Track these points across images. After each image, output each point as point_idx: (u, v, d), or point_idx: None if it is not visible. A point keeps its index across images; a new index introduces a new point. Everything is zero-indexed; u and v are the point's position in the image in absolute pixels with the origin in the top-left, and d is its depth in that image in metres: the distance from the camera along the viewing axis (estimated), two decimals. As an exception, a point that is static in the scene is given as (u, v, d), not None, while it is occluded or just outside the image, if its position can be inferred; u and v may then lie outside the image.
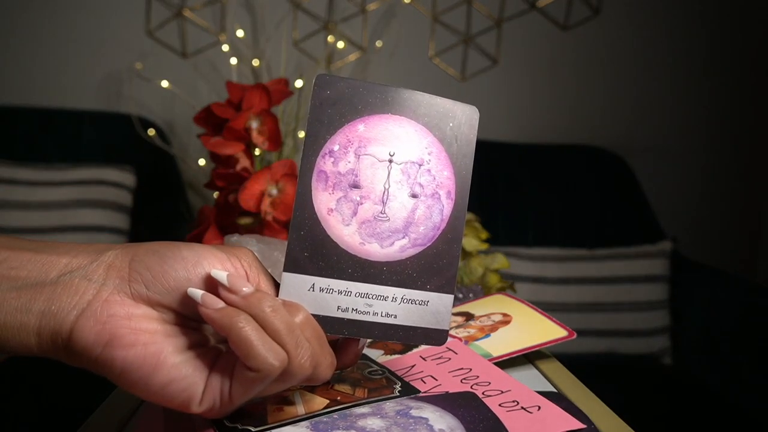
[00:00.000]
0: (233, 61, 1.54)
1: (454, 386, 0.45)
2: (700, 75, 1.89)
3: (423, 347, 0.53)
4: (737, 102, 1.92)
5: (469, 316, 0.60)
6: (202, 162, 1.54)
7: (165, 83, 1.51)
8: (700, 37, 1.87)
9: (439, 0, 1.73)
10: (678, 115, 1.90)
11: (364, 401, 0.42)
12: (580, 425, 0.39)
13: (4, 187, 1.36)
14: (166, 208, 1.53)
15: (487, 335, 0.55)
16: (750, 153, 1.95)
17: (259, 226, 0.80)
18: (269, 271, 0.63)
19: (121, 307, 0.34)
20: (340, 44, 1.66)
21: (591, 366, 1.37)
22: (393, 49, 1.70)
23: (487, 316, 0.59)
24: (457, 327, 0.57)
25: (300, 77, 1.42)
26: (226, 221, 0.82)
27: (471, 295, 0.69)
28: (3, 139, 1.48)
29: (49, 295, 0.33)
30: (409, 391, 0.44)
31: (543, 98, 1.83)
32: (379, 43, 1.70)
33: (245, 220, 0.80)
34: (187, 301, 0.35)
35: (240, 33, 1.60)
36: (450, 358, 0.49)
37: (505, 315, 0.59)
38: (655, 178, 1.86)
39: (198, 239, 0.82)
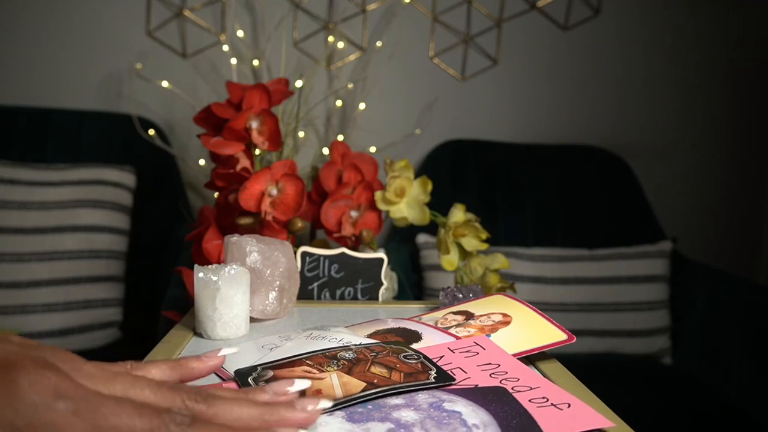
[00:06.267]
0: (233, 61, 1.54)
1: (484, 380, 0.45)
2: (700, 75, 1.89)
3: (445, 338, 0.53)
4: (737, 101, 1.92)
5: (469, 315, 0.60)
6: (202, 162, 1.54)
7: (165, 83, 1.51)
8: (700, 37, 1.87)
9: (439, 0, 1.73)
10: (678, 115, 1.90)
11: (400, 386, 0.43)
12: (610, 423, 0.39)
13: (4, 187, 1.36)
14: (166, 208, 1.53)
15: (488, 335, 0.55)
16: (750, 153, 1.95)
17: (259, 226, 0.80)
18: (269, 271, 0.63)
19: None
20: (340, 44, 1.66)
21: (591, 366, 1.37)
22: (393, 49, 1.70)
23: (487, 315, 0.59)
24: (457, 326, 0.57)
25: (300, 77, 1.42)
26: (226, 221, 0.82)
27: (471, 295, 0.69)
28: (3, 139, 1.48)
29: None
30: (444, 378, 0.45)
31: (543, 98, 1.83)
32: (379, 43, 1.70)
33: (245, 220, 0.80)
34: None
35: (240, 33, 1.60)
36: (478, 353, 0.50)
37: (505, 315, 0.59)
38: (655, 178, 1.86)
39: (198, 239, 0.82)
